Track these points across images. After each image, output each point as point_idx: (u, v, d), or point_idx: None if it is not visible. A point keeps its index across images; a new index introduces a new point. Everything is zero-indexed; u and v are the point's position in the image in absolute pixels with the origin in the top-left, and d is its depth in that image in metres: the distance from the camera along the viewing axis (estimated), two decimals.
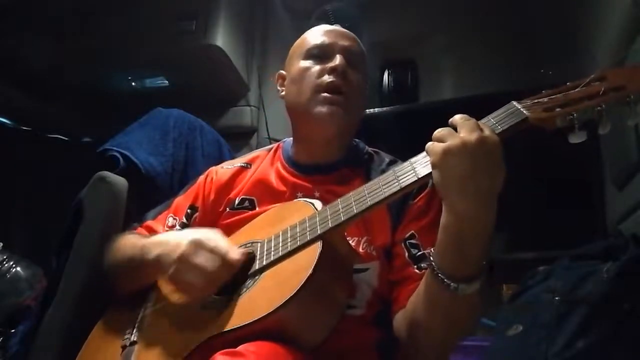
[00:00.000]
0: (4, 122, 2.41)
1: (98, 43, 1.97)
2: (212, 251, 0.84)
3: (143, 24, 1.94)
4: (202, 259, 0.82)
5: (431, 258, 0.78)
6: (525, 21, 1.99)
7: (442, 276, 0.75)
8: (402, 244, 0.95)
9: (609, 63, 1.49)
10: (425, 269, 0.88)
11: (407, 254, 0.94)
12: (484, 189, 0.70)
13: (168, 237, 0.93)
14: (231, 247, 0.86)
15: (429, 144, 0.74)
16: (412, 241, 0.94)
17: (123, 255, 1.01)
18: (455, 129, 0.72)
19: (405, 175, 0.77)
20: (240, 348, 0.70)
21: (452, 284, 0.74)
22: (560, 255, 1.34)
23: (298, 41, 1.14)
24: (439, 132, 0.73)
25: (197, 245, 0.84)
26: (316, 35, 1.10)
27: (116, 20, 1.94)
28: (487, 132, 0.70)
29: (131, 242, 1.02)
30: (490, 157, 0.69)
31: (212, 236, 0.87)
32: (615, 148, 1.50)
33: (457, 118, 0.73)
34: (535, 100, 0.73)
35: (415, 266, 0.92)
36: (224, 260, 0.83)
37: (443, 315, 0.79)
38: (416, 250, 0.93)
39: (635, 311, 1.08)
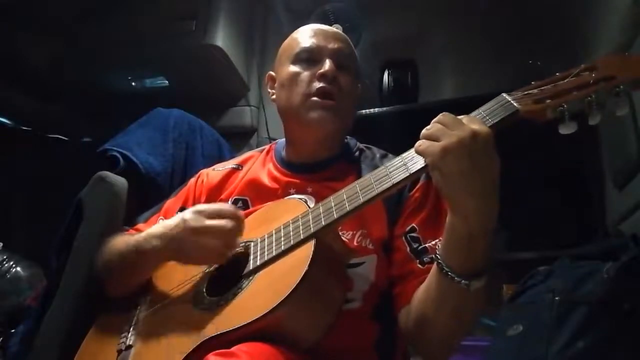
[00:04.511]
0: (4, 122, 2.40)
1: (98, 43, 1.97)
2: (215, 212, 0.88)
3: (143, 24, 1.94)
4: (212, 222, 0.86)
5: (438, 257, 0.78)
6: (525, 21, 1.99)
7: (452, 275, 0.75)
8: (403, 238, 0.94)
9: None
10: (428, 263, 0.89)
11: (408, 248, 0.93)
12: (485, 183, 0.70)
13: (161, 226, 0.94)
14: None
15: (421, 144, 0.72)
16: (413, 234, 0.94)
17: (114, 254, 1.01)
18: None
19: (397, 171, 0.77)
20: (233, 349, 0.70)
21: (463, 281, 0.74)
22: (560, 255, 1.33)
23: (286, 42, 1.13)
24: (428, 130, 0.72)
25: (198, 212, 0.88)
26: (305, 37, 1.09)
27: (116, 20, 1.94)
28: (477, 125, 0.69)
29: (122, 241, 1.02)
30: (486, 150, 0.69)
31: (205, 205, 0.92)
32: (615, 148, 1.50)
33: (444, 119, 0.72)
34: (526, 92, 0.73)
35: (418, 261, 0.91)
36: (230, 215, 0.87)
37: (451, 311, 0.79)
38: (417, 244, 0.93)
39: (635, 311, 1.08)
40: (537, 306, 1.23)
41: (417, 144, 0.73)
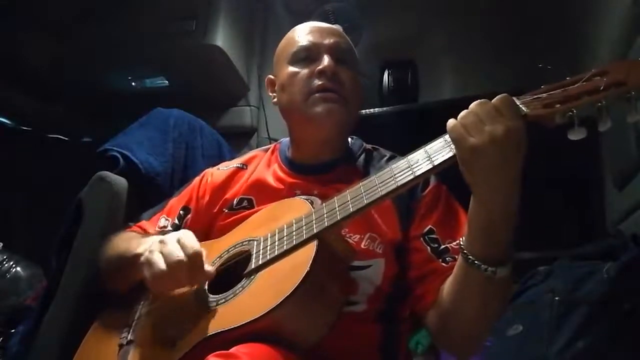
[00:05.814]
0: (4, 122, 2.40)
1: (98, 43, 1.97)
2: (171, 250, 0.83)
3: (143, 24, 1.94)
4: (160, 259, 0.82)
5: (462, 246, 0.78)
6: (525, 21, 1.99)
7: (477, 262, 0.75)
8: (421, 239, 0.94)
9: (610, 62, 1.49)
10: (452, 261, 0.89)
11: (429, 249, 0.93)
12: (510, 177, 0.70)
13: (149, 238, 0.94)
14: (197, 250, 0.84)
15: (454, 130, 0.71)
16: (432, 236, 0.94)
17: (114, 252, 1.02)
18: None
19: (402, 174, 0.77)
20: (233, 349, 0.70)
21: (488, 267, 0.74)
22: (560, 255, 1.33)
23: (283, 43, 1.12)
24: (463, 118, 0.71)
25: (161, 243, 0.85)
26: (300, 36, 1.07)
27: (116, 20, 1.94)
28: (510, 122, 0.68)
29: (122, 240, 1.03)
30: (517, 147, 0.69)
31: (180, 235, 0.86)
32: (615, 148, 1.50)
33: (481, 110, 0.70)
34: (535, 96, 0.72)
35: (440, 259, 0.91)
36: (187, 258, 0.82)
37: (477, 301, 0.80)
38: (437, 245, 0.93)
39: (635, 311, 1.08)
40: (537, 306, 1.23)
41: (451, 128, 0.72)
